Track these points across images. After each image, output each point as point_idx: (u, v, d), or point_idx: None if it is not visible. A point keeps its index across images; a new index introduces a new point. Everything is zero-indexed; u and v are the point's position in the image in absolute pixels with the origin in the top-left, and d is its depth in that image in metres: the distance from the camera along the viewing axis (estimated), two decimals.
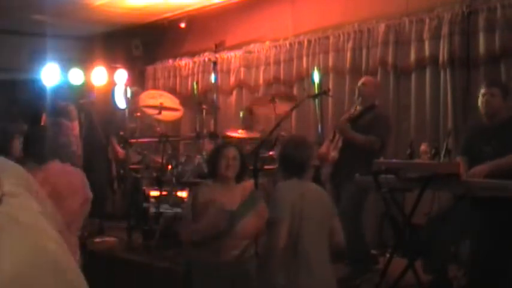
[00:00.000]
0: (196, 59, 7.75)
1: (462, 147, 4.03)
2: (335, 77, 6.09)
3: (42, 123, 5.52)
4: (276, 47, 6.75)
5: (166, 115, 6.09)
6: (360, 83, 4.80)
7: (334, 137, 4.71)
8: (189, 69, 7.88)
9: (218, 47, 6.67)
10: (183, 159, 5.88)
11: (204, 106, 5.99)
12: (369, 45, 5.81)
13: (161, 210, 5.31)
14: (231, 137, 5.47)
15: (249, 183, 3.62)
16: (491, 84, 3.88)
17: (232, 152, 3.45)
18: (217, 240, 3.22)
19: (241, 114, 5.82)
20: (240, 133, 5.66)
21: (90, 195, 2.98)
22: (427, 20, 5.34)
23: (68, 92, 6.95)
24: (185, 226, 3.49)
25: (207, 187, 3.47)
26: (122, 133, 6.12)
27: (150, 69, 8.50)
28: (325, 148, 4.74)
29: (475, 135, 3.92)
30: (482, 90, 3.85)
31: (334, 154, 4.62)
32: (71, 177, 2.94)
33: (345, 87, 5.93)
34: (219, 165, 3.40)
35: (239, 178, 3.50)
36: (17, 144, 3.36)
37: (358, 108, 4.73)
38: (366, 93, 4.71)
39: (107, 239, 5.78)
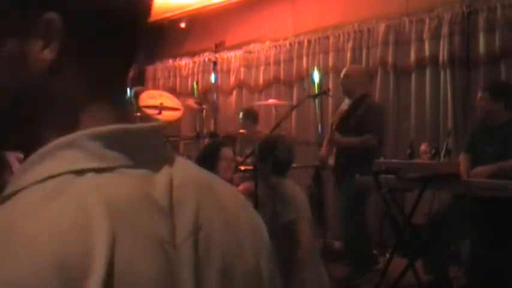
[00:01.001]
0: (196, 59, 7.75)
1: (466, 144, 4.03)
2: (335, 77, 6.08)
3: None
4: (276, 47, 6.76)
5: (166, 115, 6.09)
6: (341, 76, 4.64)
7: (332, 135, 4.59)
8: (189, 69, 7.89)
9: (218, 47, 6.66)
10: None
11: (204, 106, 5.99)
12: (369, 45, 5.82)
13: None
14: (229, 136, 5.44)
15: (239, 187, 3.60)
16: (483, 89, 3.91)
17: (231, 152, 3.44)
18: None
19: (240, 115, 5.79)
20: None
21: None
22: (427, 20, 5.34)
23: None
24: None
25: None
26: None
27: (150, 69, 8.50)
28: (325, 150, 4.69)
29: (479, 134, 3.92)
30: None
31: (331, 162, 4.59)
32: None
33: None
34: (218, 166, 3.36)
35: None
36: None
37: (347, 102, 4.60)
38: (351, 85, 4.53)
39: None
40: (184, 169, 0.66)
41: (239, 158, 4.63)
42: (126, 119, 0.62)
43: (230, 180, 3.42)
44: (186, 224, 0.61)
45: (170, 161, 0.65)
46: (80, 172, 0.56)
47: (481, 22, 4.96)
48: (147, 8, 0.64)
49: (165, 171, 0.63)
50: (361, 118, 4.42)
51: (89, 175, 0.56)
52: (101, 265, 0.50)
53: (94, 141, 0.58)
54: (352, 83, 4.55)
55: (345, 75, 4.61)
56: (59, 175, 0.56)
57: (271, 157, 3.11)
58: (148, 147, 0.62)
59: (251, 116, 5.62)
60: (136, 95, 6.34)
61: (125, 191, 0.57)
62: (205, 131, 5.88)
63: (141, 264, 0.54)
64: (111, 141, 0.58)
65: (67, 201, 0.53)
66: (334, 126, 4.50)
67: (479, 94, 3.89)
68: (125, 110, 0.64)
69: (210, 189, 0.67)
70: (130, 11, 0.61)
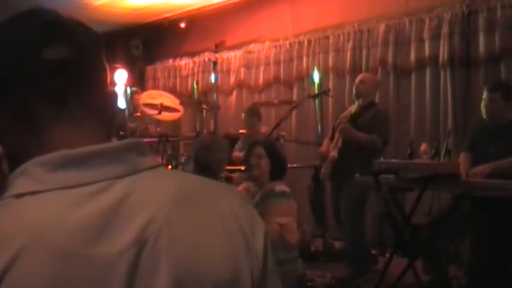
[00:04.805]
0: (196, 59, 7.75)
1: (467, 144, 4.03)
2: (335, 77, 6.09)
3: None
4: (276, 47, 6.75)
5: (166, 115, 6.09)
6: (357, 81, 4.75)
7: (333, 135, 4.69)
8: (189, 69, 7.88)
9: (218, 47, 6.65)
10: (183, 159, 5.87)
11: (204, 106, 5.99)
12: (369, 45, 5.81)
13: None
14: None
15: (271, 185, 3.51)
16: (493, 89, 3.82)
17: (258, 150, 3.45)
18: None
19: (243, 115, 5.77)
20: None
21: None
22: (427, 20, 5.34)
23: None
24: None
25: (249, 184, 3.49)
26: (122, 133, 6.12)
27: (150, 69, 8.50)
28: (325, 147, 4.74)
29: (480, 133, 3.92)
30: (484, 95, 3.84)
31: (334, 154, 4.60)
32: None
33: (345, 87, 5.93)
34: (250, 164, 3.43)
35: (274, 176, 3.48)
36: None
37: (357, 105, 4.69)
38: (365, 91, 4.66)
39: None
40: (154, 181, 0.72)
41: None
42: (80, 140, 0.71)
43: (258, 177, 3.41)
44: (128, 237, 0.66)
45: (136, 174, 0.71)
46: (19, 196, 0.67)
47: (481, 22, 4.96)
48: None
49: (120, 186, 0.69)
50: (369, 120, 4.53)
51: (26, 198, 0.66)
52: None
53: (40, 168, 0.68)
54: (367, 88, 4.69)
55: (361, 81, 4.72)
56: (4, 199, 0.68)
57: (197, 160, 3.17)
58: (96, 166, 0.69)
59: (255, 114, 5.61)
60: (133, 95, 6.34)
61: (49, 212, 0.65)
62: (205, 131, 5.88)
63: (35, 278, 0.61)
64: (53, 166, 0.68)
65: None
66: (346, 119, 4.63)
67: (486, 94, 3.81)
68: (81, 130, 0.73)
69: (180, 202, 0.71)
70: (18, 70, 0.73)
